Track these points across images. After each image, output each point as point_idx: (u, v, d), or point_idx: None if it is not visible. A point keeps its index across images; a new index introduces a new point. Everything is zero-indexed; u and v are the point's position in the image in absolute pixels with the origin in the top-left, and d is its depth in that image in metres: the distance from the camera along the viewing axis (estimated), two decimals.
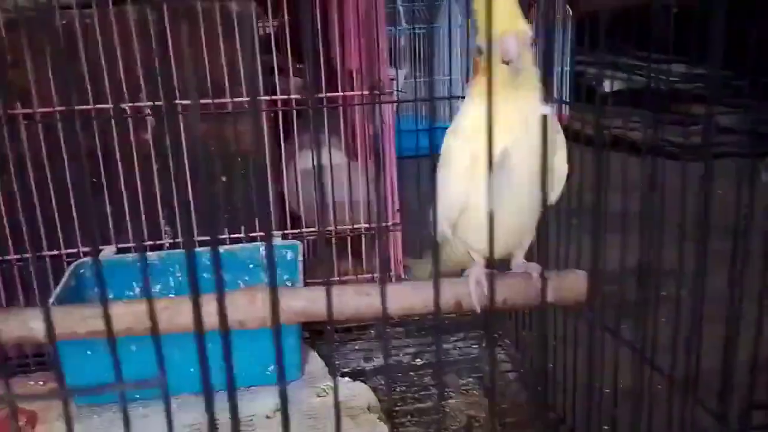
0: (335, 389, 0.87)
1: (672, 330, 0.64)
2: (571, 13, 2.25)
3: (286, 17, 1.36)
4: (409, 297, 0.72)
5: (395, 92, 1.24)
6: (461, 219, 0.70)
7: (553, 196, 0.71)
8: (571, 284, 0.72)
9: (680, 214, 0.64)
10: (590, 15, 0.78)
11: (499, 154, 0.62)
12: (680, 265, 0.65)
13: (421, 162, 1.07)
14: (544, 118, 0.35)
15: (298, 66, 1.48)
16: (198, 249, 1.07)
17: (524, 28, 0.63)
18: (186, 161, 1.12)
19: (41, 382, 1.03)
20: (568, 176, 0.71)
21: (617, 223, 0.69)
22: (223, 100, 1.11)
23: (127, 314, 0.65)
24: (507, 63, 0.62)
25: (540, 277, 0.68)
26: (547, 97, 0.69)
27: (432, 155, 0.59)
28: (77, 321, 0.67)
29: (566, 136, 0.73)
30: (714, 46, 0.51)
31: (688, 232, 0.62)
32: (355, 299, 0.72)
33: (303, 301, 0.72)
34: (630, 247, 0.69)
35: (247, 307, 0.68)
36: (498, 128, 0.61)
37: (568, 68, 2.60)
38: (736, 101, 2.16)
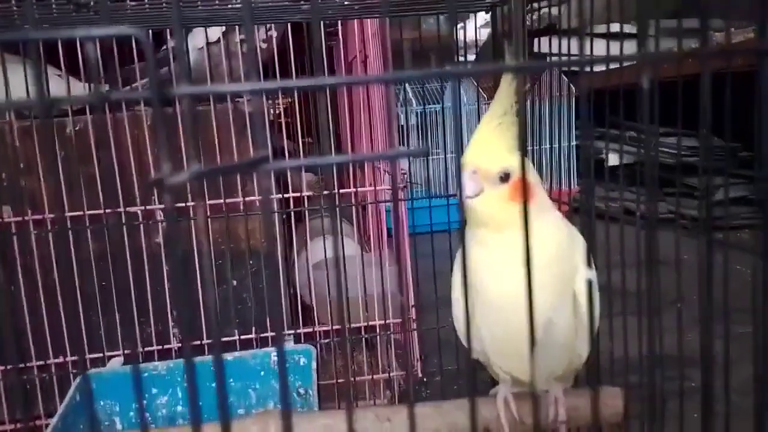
0: None
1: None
2: (574, 90, 2.28)
3: (295, 95, 1.37)
4: (434, 421, 0.68)
5: (408, 184, 1.22)
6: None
7: (586, 320, 0.65)
8: (606, 404, 0.68)
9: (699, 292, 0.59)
10: (594, 91, 0.78)
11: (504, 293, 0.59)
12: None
13: (436, 237, 1.05)
14: (589, 283, 0.32)
15: (308, 140, 1.49)
16: (206, 358, 1.04)
17: (489, 164, 0.58)
18: (197, 263, 1.11)
19: None
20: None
21: (633, 304, 0.66)
22: (235, 199, 1.10)
23: None
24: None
25: (559, 399, 0.65)
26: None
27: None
28: None
29: (575, 210, 0.69)
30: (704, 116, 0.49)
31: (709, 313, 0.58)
32: (375, 425, 0.68)
33: (319, 430, 0.68)
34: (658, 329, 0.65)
35: None
36: (496, 271, 0.59)
37: (572, 143, 2.63)
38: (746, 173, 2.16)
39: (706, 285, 0.47)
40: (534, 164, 1.00)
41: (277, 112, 1.73)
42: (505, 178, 0.59)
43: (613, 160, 0.92)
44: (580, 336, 0.65)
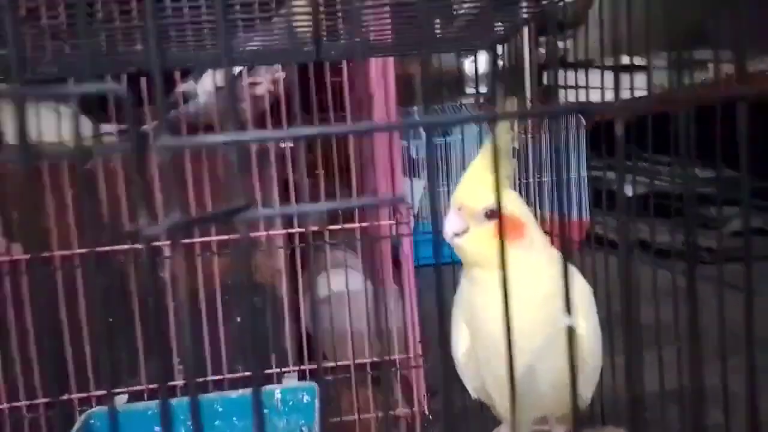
0: None
1: None
2: (584, 122, 2.28)
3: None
4: None
5: (413, 219, 1.23)
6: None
7: (589, 362, 0.64)
8: None
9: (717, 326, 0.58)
10: (605, 123, 0.78)
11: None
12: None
13: (443, 271, 1.04)
14: (569, 330, 0.32)
15: (315, 172, 1.50)
16: (211, 396, 1.03)
17: (474, 202, 0.59)
18: (204, 299, 1.11)
19: None
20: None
21: (651, 336, 0.64)
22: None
23: None
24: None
25: None
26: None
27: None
28: None
29: (588, 242, 0.69)
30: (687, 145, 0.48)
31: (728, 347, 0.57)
32: None
33: None
34: (667, 364, 0.63)
35: None
36: (488, 309, 0.59)
37: (584, 174, 2.62)
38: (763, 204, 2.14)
39: (693, 316, 0.46)
40: (538, 198, 1.00)
41: (283, 145, 1.74)
42: (491, 215, 0.59)
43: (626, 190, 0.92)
44: (582, 378, 0.64)
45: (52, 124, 1.03)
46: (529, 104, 1.49)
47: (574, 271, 0.66)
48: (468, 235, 0.60)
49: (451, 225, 0.60)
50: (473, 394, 0.72)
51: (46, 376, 1.05)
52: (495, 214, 0.60)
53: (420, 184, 2.57)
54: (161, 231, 0.27)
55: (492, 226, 0.59)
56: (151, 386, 1.09)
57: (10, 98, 0.27)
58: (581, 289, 0.64)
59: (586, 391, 0.66)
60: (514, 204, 0.62)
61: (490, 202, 0.59)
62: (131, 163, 0.28)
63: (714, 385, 0.58)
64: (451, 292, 0.65)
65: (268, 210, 0.28)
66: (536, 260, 0.60)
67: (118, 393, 1.06)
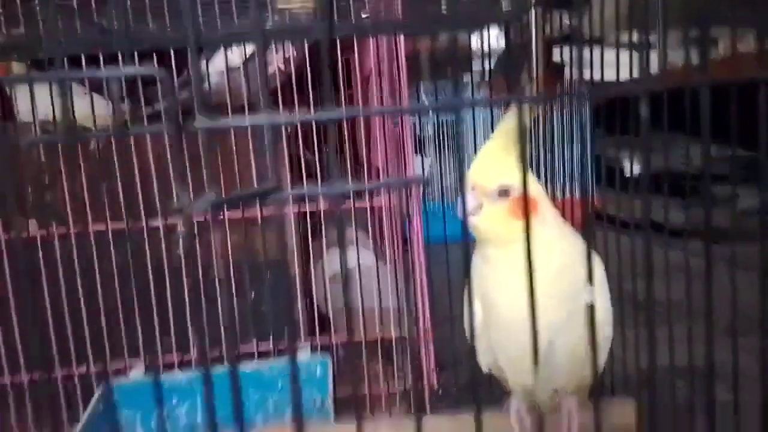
0: None
1: None
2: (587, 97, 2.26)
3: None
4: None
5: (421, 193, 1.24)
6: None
7: (601, 335, 0.65)
8: (617, 418, 0.68)
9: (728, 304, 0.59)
10: (606, 101, 0.78)
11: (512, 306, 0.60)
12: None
13: (451, 249, 1.06)
14: (591, 308, 0.33)
15: (326, 150, 1.50)
16: (223, 368, 1.06)
17: (487, 181, 0.59)
18: (216, 275, 1.13)
19: None
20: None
21: (663, 314, 0.66)
22: (252, 214, 1.12)
23: None
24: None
25: (573, 414, 0.65)
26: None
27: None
28: None
29: (597, 217, 0.69)
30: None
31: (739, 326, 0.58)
32: None
33: None
34: (677, 341, 0.65)
35: None
36: (501, 286, 0.60)
37: (588, 151, 2.62)
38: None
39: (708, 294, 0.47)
40: (549, 174, 1.00)
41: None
42: (504, 193, 0.60)
43: (635, 168, 0.92)
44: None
45: (83, 105, 1.05)
46: (537, 84, 1.48)
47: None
48: (482, 213, 0.60)
49: (466, 207, 0.61)
50: (484, 369, 0.73)
51: (63, 349, 1.07)
52: (508, 192, 0.60)
53: (427, 162, 2.58)
54: (203, 208, 0.28)
55: (506, 204, 0.60)
56: (168, 359, 1.11)
57: (52, 81, 0.28)
58: (594, 260, 0.65)
59: (599, 364, 0.67)
60: (528, 182, 0.62)
61: (503, 180, 0.60)
62: (173, 145, 0.29)
63: (721, 362, 0.60)
64: (459, 269, 0.66)
65: (297, 190, 0.29)
66: (549, 236, 0.61)
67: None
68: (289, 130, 1.32)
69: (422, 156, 2.47)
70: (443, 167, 2.61)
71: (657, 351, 0.61)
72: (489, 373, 0.75)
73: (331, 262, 1.32)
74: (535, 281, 0.58)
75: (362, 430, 0.37)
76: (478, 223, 0.60)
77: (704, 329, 0.47)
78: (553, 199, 0.89)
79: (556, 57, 2.26)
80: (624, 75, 0.75)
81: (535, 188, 0.64)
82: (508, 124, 0.60)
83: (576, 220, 0.72)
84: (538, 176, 1.01)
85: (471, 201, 0.60)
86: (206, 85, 1.10)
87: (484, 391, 0.80)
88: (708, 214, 0.49)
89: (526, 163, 0.61)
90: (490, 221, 0.60)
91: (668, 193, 0.69)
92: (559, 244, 0.61)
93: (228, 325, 0.94)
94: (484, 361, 0.71)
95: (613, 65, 0.78)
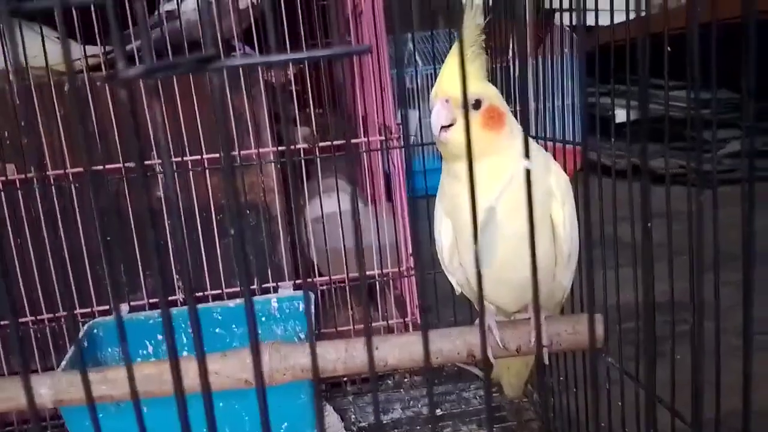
0: None
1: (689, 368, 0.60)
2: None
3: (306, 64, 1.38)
4: (418, 348, 0.71)
5: (402, 136, 1.23)
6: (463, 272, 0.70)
7: (565, 249, 0.66)
8: (586, 328, 0.70)
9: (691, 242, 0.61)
10: (600, 48, 0.77)
11: (482, 215, 0.60)
12: (692, 297, 0.61)
13: (431, 201, 1.07)
14: (527, 173, 0.34)
15: (318, 111, 1.50)
16: (210, 305, 1.07)
17: (462, 92, 0.59)
18: (197, 216, 1.13)
19: None
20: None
21: (629, 256, 0.67)
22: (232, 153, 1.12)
23: (138, 378, 0.64)
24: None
25: (537, 322, 0.66)
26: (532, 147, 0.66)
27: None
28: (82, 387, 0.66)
29: (583, 167, 0.70)
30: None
31: (703, 262, 0.60)
32: (363, 354, 0.71)
33: (309, 357, 0.71)
34: (658, 279, 0.66)
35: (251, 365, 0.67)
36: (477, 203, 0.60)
37: (578, 99, 2.60)
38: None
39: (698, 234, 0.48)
40: (545, 120, 1.00)
41: (288, 78, 1.73)
42: (476, 105, 0.60)
43: (620, 116, 0.92)
44: (559, 264, 0.67)
45: (37, 48, 1.03)
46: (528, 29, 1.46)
47: (551, 159, 0.67)
48: (455, 126, 0.60)
49: (439, 118, 0.60)
50: (457, 289, 0.75)
51: (48, 292, 1.08)
52: (480, 102, 0.60)
53: (415, 115, 2.56)
54: (138, 73, 0.29)
55: (479, 116, 0.60)
56: (151, 300, 1.12)
57: None
58: (558, 175, 0.65)
59: (564, 278, 0.68)
60: (493, 95, 0.62)
61: (476, 91, 0.60)
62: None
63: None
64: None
65: (244, 58, 0.29)
66: (517, 148, 0.61)
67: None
68: (282, 83, 1.31)
69: (405, 109, 2.45)
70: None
71: (632, 287, 0.62)
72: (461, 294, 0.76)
73: (313, 205, 1.32)
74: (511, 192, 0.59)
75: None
76: (455, 135, 0.60)
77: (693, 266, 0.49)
78: (546, 148, 0.89)
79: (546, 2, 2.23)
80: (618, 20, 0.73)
81: (502, 102, 0.64)
82: (465, 28, 0.60)
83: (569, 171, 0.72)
84: (533, 126, 1.01)
85: (445, 114, 0.60)
86: (178, 22, 1.09)
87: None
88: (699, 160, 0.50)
89: (480, 70, 0.61)
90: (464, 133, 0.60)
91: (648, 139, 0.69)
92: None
93: (182, 262, 0.95)
94: (455, 280, 0.73)
95: (608, 12, 0.76)
